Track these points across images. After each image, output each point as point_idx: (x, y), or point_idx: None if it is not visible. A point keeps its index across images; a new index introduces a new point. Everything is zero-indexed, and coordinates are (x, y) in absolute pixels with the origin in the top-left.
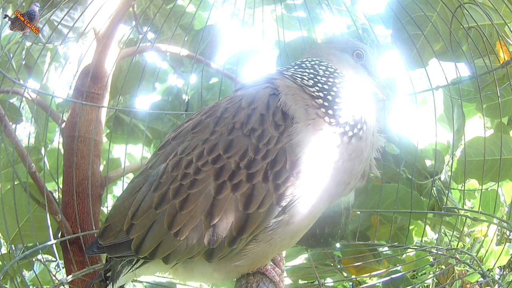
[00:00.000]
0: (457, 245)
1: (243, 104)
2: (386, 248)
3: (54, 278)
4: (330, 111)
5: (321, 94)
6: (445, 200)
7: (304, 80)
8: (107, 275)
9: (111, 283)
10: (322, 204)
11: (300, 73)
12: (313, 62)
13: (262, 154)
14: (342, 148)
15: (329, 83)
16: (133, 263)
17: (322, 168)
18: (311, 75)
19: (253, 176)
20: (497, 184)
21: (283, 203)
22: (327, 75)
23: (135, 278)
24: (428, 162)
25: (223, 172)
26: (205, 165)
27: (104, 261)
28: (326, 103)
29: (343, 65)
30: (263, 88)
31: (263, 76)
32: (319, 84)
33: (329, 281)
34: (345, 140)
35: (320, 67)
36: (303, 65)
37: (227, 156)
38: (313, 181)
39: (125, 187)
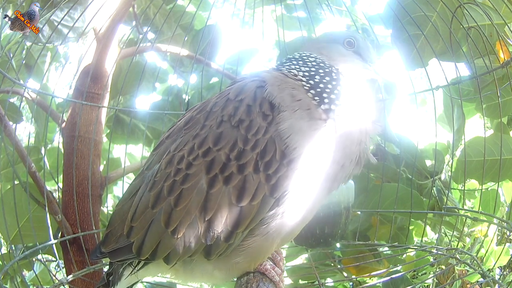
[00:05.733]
0: (457, 245)
1: (231, 96)
2: (386, 248)
3: (54, 278)
4: (313, 91)
5: (304, 79)
6: (445, 200)
7: (291, 70)
8: (110, 278)
9: (112, 286)
10: (318, 194)
11: (288, 65)
12: (303, 55)
13: (251, 145)
14: (330, 123)
15: (313, 70)
16: (134, 265)
17: (314, 149)
18: (298, 65)
19: (243, 167)
20: (497, 184)
21: (276, 194)
22: (313, 65)
23: (137, 280)
24: (428, 162)
25: (214, 165)
26: (196, 159)
27: (104, 261)
28: (311, 82)
29: (334, 55)
30: (250, 81)
31: (253, 72)
32: (306, 73)
33: (329, 281)
34: (332, 116)
35: (309, 58)
36: (291, 57)
37: (217, 149)
38: (306, 169)
39: (125, 187)
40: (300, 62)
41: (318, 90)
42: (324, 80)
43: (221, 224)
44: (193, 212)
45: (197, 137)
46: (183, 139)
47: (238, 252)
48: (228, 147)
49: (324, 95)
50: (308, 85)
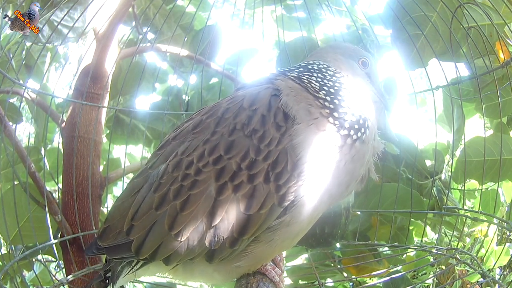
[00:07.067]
0: (457, 245)
1: (245, 105)
2: (386, 248)
3: (54, 278)
4: (335, 114)
5: (328, 98)
6: (445, 200)
7: (311, 82)
8: (107, 275)
9: (111, 284)
10: (323, 205)
11: (307, 75)
12: (321, 66)
13: (264, 155)
14: (345, 149)
15: (336, 87)
16: (133, 265)
17: (324, 168)
18: (318, 78)
19: (254, 177)
20: (497, 184)
21: (285, 204)
22: (334, 79)
23: (135, 279)
24: (428, 162)
25: (224, 173)
26: (206, 166)
27: (104, 261)
28: (331, 106)
29: (349, 71)
30: (264, 89)
31: (265, 76)
32: (325, 87)
33: (329, 281)
34: (349, 142)
35: (328, 71)
36: (309, 67)
37: (228, 157)
38: (315, 182)
39: (125, 188)
40: (321, 76)
41: (340, 115)
42: (345, 103)
43: (228, 230)
44: (199, 218)
45: (207, 142)
46: (192, 143)
47: (240, 257)
48: (239, 156)
49: (345, 120)
50: (329, 108)
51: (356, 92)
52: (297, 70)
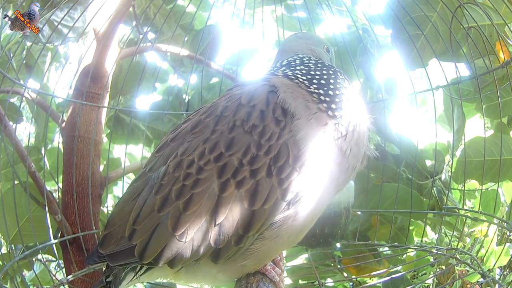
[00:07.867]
0: (457, 245)
1: (243, 102)
2: (386, 248)
3: (54, 278)
4: (333, 105)
5: (321, 91)
6: (445, 200)
7: (299, 78)
8: (108, 280)
9: None
10: (328, 195)
11: (291, 70)
12: (304, 59)
13: (265, 150)
14: (349, 136)
15: (325, 77)
16: (136, 270)
17: (327, 160)
18: (304, 71)
19: (256, 172)
20: (497, 184)
21: (288, 198)
22: (319, 69)
23: (138, 283)
24: (428, 162)
25: (226, 169)
26: (208, 164)
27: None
28: (327, 98)
29: (324, 59)
30: (261, 86)
31: (258, 77)
32: (314, 80)
33: (329, 281)
34: (351, 128)
35: (311, 61)
36: (293, 63)
37: (229, 154)
38: (318, 175)
39: (125, 187)
40: (304, 68)
41: (337, 105)
42: (338, 92)
43: (232, 227)
44: (203, 216)
45: (207, 141)
46: (191, 143)
47: (245, 256)
48: (241, 152)
49: (342, 109)
50: (326, 102)
51: (340, 77)
52: (282, 69)
